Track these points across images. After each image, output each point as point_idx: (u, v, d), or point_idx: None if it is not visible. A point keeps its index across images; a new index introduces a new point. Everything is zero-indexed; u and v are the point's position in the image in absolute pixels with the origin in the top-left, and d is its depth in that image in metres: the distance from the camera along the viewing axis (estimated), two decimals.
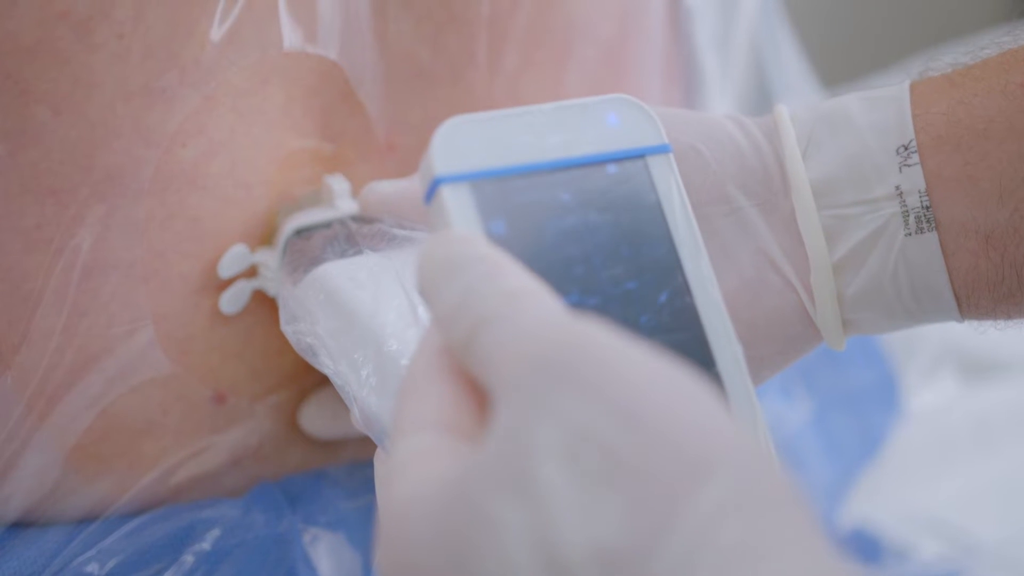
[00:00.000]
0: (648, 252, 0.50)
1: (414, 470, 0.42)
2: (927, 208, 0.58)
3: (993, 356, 1.11)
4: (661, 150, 0.52)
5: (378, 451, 0.56)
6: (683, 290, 0.50)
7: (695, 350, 0.50)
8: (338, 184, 0.68)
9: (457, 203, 0.48)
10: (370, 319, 0.58)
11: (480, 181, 0.49)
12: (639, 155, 0.52)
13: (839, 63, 1.65)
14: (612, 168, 0.51)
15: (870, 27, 1.91)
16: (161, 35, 0.62)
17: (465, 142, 0.49)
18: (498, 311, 0.43)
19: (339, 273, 0.63)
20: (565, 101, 0.51)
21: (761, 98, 0.95)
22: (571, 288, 0.49)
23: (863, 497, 0.99)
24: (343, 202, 0.68)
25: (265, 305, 0.69)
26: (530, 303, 0.43)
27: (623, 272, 0.49)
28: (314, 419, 0.72)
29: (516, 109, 0.51)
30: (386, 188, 0.66)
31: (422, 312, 0.56)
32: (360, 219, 0.67)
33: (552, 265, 0.48)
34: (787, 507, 0.38)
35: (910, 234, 0.59)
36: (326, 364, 0.61)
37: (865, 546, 0.94)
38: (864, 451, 1.00)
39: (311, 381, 0.72)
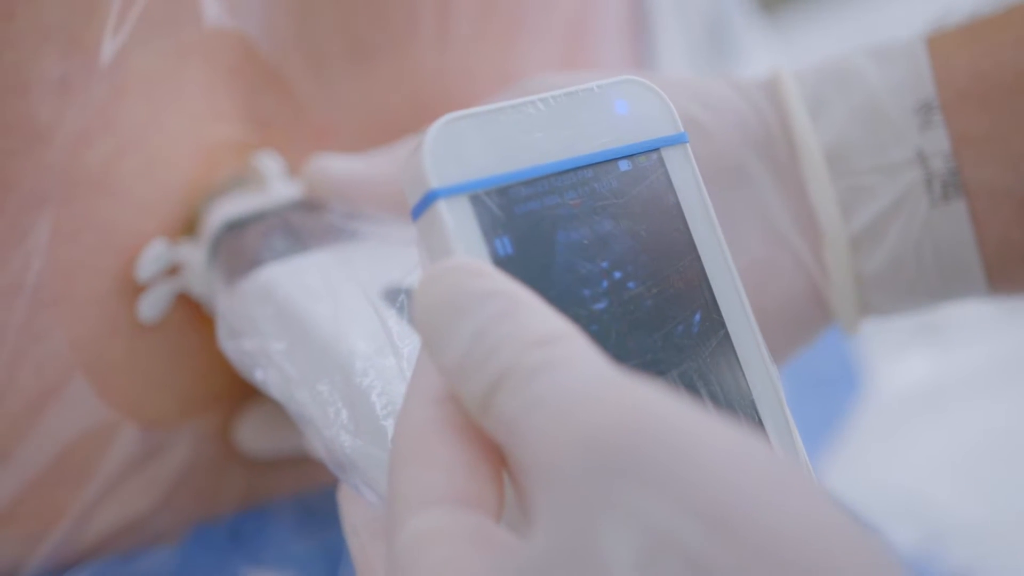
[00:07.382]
0: (669, 265, 0.44)
1: (431, 562, 0.35)
2: (954, 173, 0.53)
3: (948, 315, 1.07)
4: (678, 140, 0.45)
5: (344, 488, 0.48)
6: (710, 306, 0.44)
7: (727, 378, 0.44)
8: (269, 164, 0.60)
9: (458, 222, 0.41)
10: (334, 343, 0.51)
11: (480, 192, 0.42)
12: (653, 148, 0.45)
13: None
14: (624, 165, 0.44)
15: None
16: (58, 16, 0.53)
17: (460, 145, 0.42)
18: (524, 365, 0.35)
19: (287, 279, 0.55)
20: (569, 88, 0.44)
21: (720, 58, 0.88)
22: (589, 314, 0.42)
23: (829, 475, 0.95)
24: (277, 185, 0.60)
25: (191, 312, 0.60)
26: (565, 354, 0.35)
27: (644, 290, 0.43)
28: (253, 436, 0.63)
29: (514, 101, 0.44)
30: (335, 168, 0.58)
31: (398, 336, 0.48)
32: (302, 206, 0.58)
33: (567, 287, 0.42)
34: None
35: (935, 203, 0.53)
36: (279, 390, 0.52)
37: None
38: (828, 429, 0.95)
39: (246, 397, 0.63)
